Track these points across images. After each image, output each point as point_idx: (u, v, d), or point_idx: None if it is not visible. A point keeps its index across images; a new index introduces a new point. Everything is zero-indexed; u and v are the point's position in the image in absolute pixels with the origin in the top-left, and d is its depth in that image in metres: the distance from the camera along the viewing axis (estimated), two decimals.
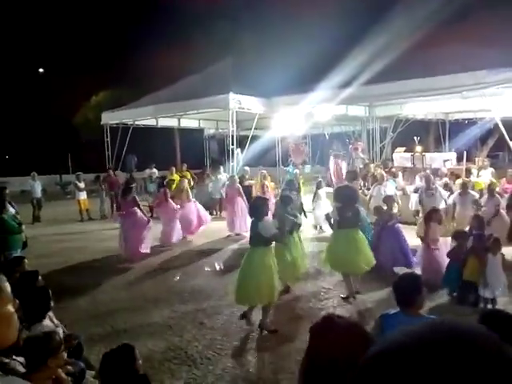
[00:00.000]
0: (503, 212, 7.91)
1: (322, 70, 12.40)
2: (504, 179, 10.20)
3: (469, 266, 5.69)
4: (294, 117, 13.37)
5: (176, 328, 5.21)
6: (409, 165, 12.59)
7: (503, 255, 6.00)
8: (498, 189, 8.87)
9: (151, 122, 17.40)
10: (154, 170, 15.71)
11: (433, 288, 5.65)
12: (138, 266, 8.02)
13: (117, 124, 17.13)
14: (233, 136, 13.17)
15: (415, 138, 14.65)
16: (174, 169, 14.60)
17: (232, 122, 12.77)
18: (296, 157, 13.74)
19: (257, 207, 5.19)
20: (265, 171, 11.91)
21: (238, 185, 10.88)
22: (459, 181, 9.17)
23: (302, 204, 8.82)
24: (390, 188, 9.52)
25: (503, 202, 8.00)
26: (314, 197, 10.88)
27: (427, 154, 12.58)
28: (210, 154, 21.85)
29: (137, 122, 17.19)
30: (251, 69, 15.88)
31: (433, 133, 18.87)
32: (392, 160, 13.30)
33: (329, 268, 6.52)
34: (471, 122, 15.38)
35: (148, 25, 27.32)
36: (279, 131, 14.07)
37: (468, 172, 10.25)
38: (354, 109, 15.22)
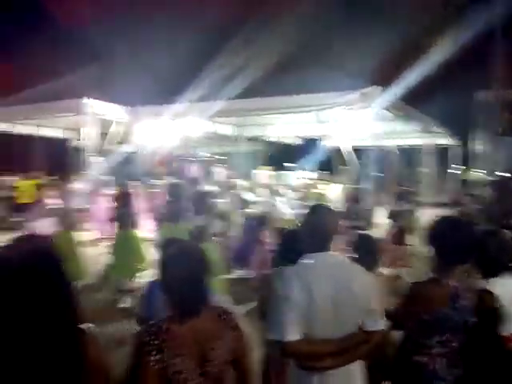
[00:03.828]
0: None
1: (187, 81, 12.36)
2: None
3: None
4: (160, 129, 13.02)
5: None
6: (266, 181, 13.51)
7: None
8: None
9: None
10: None
11: None
12: None
13: None
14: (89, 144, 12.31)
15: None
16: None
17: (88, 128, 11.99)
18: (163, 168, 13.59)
19: None
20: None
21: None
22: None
23: None
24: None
25: None
26: None
27: (283, 173, 13.74)
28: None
29: None
30: (116, 76, 15.30)
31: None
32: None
33: None
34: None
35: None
36: (144, 144, 13.51)
37: (312, 187, 11.50)
38: (222, 127, 15.45)
